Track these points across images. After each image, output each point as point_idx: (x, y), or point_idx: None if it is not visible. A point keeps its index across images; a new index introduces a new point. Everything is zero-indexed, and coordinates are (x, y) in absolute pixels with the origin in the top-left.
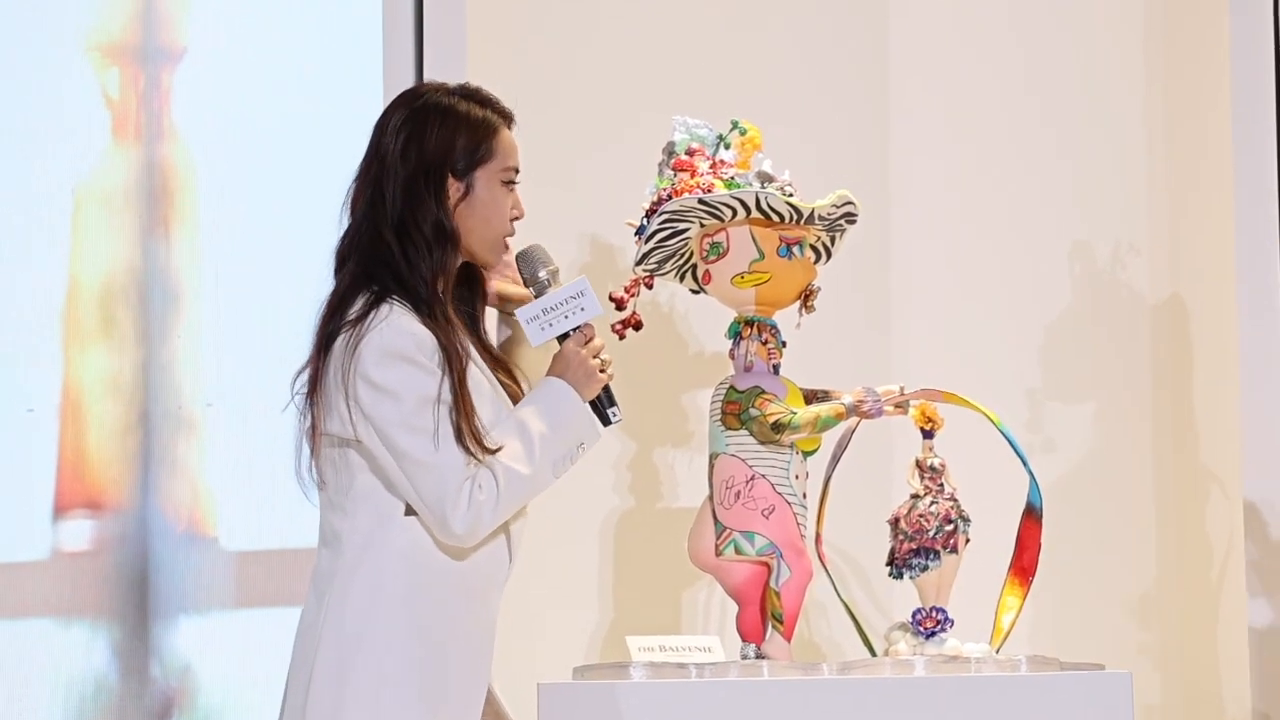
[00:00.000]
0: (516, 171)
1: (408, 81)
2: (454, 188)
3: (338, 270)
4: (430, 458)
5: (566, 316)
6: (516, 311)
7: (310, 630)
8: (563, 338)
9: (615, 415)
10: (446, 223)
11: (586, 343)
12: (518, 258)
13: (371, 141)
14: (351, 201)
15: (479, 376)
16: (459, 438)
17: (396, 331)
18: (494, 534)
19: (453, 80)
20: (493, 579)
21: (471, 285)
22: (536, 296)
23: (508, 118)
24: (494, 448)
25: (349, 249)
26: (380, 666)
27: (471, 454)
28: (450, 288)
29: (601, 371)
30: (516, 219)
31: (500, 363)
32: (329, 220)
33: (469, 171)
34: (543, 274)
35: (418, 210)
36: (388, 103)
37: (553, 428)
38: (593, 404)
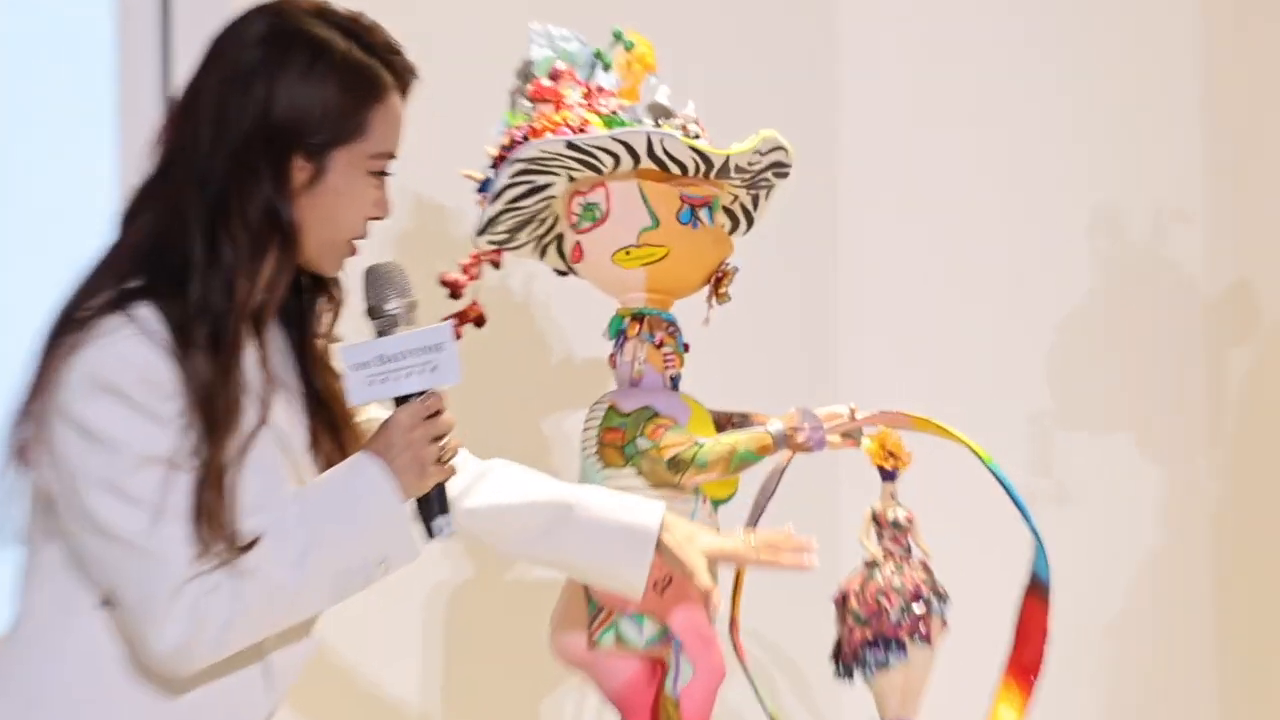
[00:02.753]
0: (391, 158)
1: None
2: (300, 167)
3: (121, 229)
4: (140, 541)
5: (409, 374)
6: (339, 349)
7: None
8: (399, 402)
9: (444, 527)
10: (284, 213)
11: (429, 418)
12: (365, 275)
13: (206, 58)
14: (161, 135)
15: (272, 440)
16: (195, 519)
17: (117, 359)
18: (239, 660)
19: None
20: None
21: (308, 298)
22: (379, 335)
23: (403, 77)
24: (245, 541)
25: (140, 206)
26: None
27: (207, 543)
28: (275, 302)
29: (439, 463)
30: (374, 219)
31: (334, 419)
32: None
33: (326, 149)
34: (393, 306)
35: (245, 187)
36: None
37: (346, 527)
38: (418, 504)
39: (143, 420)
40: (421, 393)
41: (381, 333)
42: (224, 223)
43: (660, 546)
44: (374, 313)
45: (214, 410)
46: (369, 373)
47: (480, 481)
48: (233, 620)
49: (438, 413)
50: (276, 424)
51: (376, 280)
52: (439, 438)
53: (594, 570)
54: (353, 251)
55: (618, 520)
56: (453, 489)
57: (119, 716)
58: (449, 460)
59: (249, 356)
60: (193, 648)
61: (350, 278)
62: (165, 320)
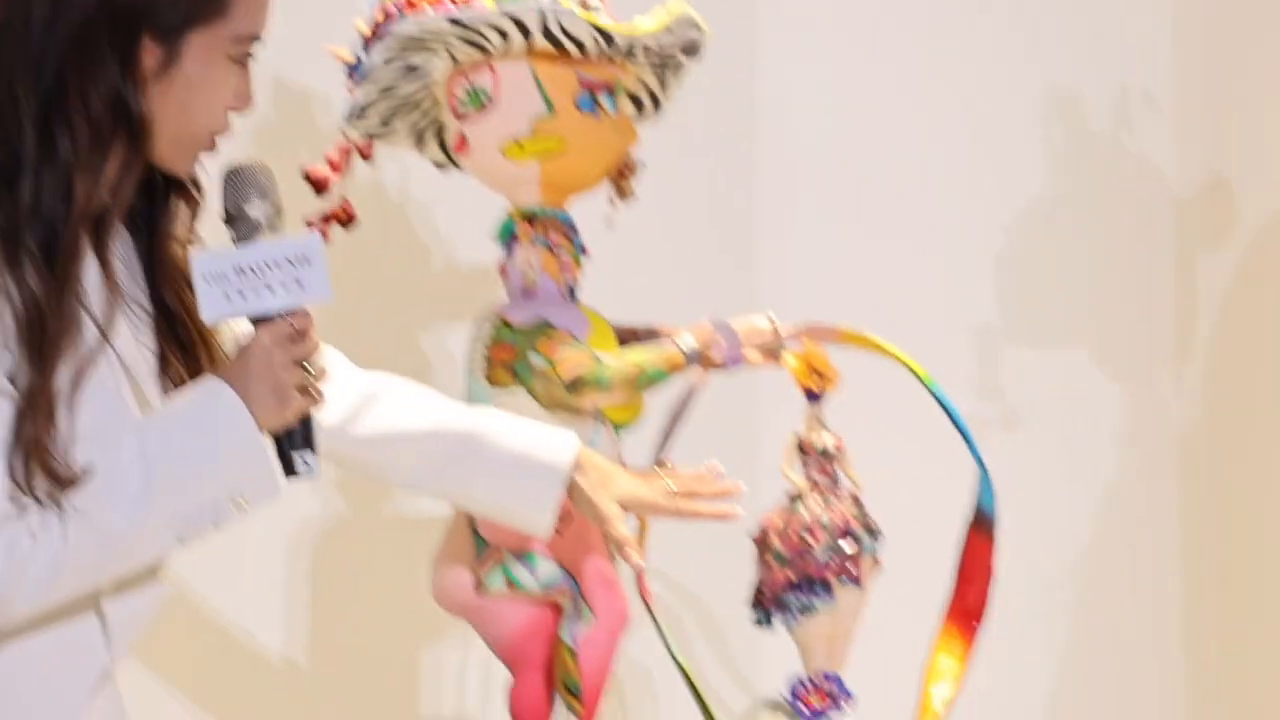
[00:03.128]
0: (255, 41)
1: None
2: (151, 52)
3: None
4: None
5: (272, 289)
6: (191, 257)
7: None
8: (260, 320)
9: (308, 464)
10: (132, 104)
11: (293, 340)
12: (224, 177)
13: None
14: None
15: (113, 364)
16: (17, 452)
17: None
18: (72, 609)
19: None
20: (61, 675)
21: (160, 199)
22: (236, 242)
23: None
24: (71, 474)
25: None
26: None
27: (23, 481)
28: (120, 207)
29: (304, 391)
30: (235, 111)
31: (187, 338)
32: None
33: (181, 31)
34: (255, 211)
35: (87, 71)
36: None
37: (193, 463)
38: (277, 438)
39: None
40: (285, 314)
41: (241, 239)
42: (61, 113)
43: (572, 489)
44: (233, 218)
45: (44, 331)
46: (225, 286)
47: (371, 405)
48: (57, 566)
49: (303, 334)
50: (120, 345)
51: (237, 181)
52: (304, 362)
53: (496, 509)
54: (210, 147)
55: (526, 455)
56: (336, 412)
57: None
58: (315, 388)
59: (89, 269)
60: (9, 596)
61: (212, 178)
62: None
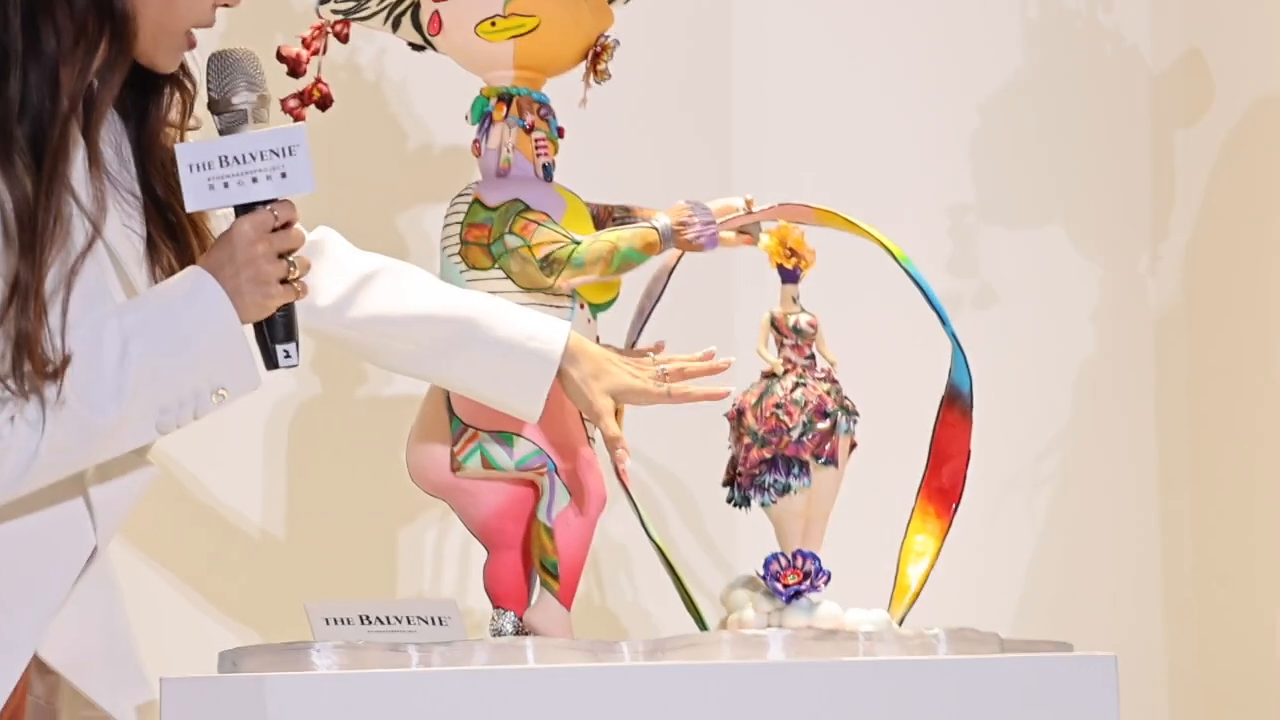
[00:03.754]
0: None
1: None
2: None
3: None
4: None
5: (255, 179)
6: (177, 147)
7: None
8: (243, 211)
9: (289, 356)
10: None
11: (276, 230)
12: (210, 62)
13: None
14: None
15: (100, 255)
16: (3, 340)
17: None
18: (57, 492)
19: None
20: (49, 560)
21: (152, 88)
22: (222, 133)
23: None
24: (54, 366)
25: None
26: None
27: (7, 373)
28: (106, 101)
29: (284, 282)
30: (222, 6)
31: (175, 224)
32: None
33: None
34: (240, 99)
35: None
36: None
37: (175, 355)
38: (259, 329)
39: None
40: (268, 201)
41: (226, 130)
42: (46, 8)
43: (563, 378)
44: (218, 106)
45: (35, 226)
46: (209, 175)
47: (366, 287)
48: (37, 454)
49: (287, 224)
50: (108, 234)
51: (223, 68)
52: (287, 253)
53: (488, 393)
54: (191, 43)
55: (520, 343)
56: (332, 293)
57: None
58: (298, 279)
59: (78, 159)
60: None
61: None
62: None
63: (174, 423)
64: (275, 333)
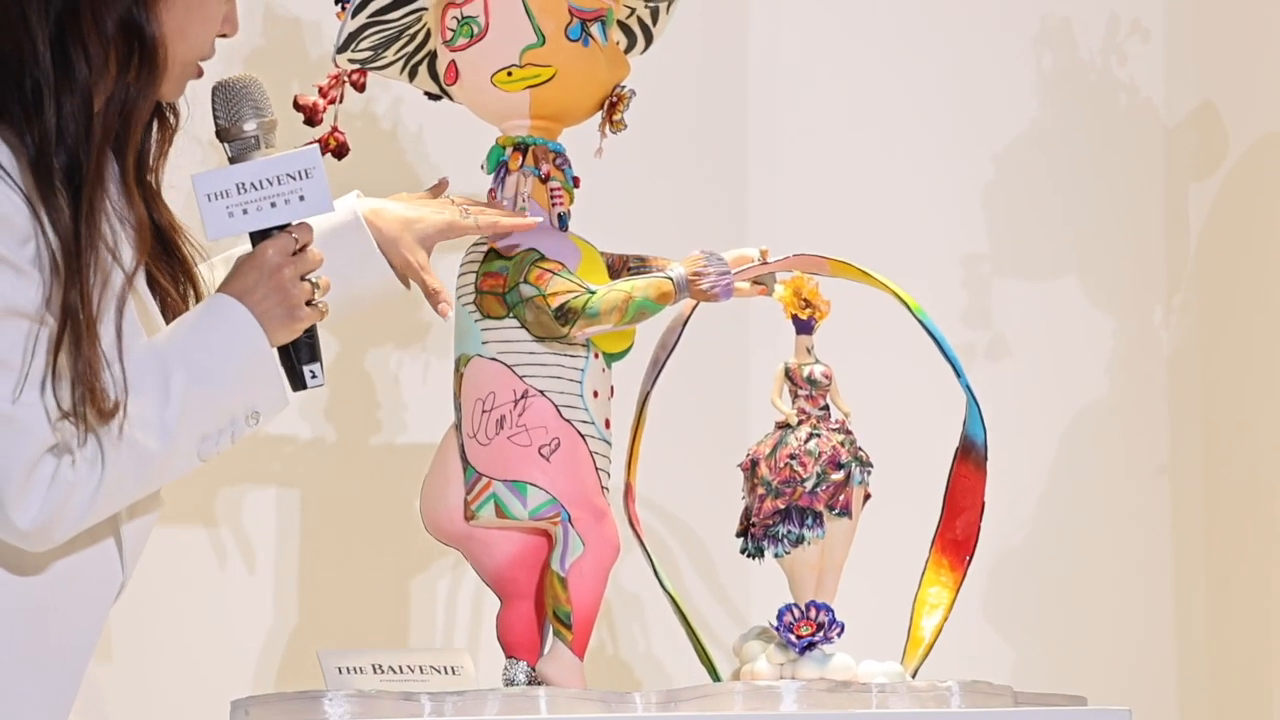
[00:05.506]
0: None
1: None
2: None
3: None
4: (2, 406)
5: (274, 203)
6: (194, 177)
7: None
8: (260, 236)
9: (315, 375)
10: (146, 26)
11: (296, 253)
12: (215, 92)
13: None
14: None
15: (119, 282)
16: (60, 381)
17: None
18: (94, 533)
19: None
20: (86, 598)
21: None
22: (233, 161)
23: None
24: (110, 404)
25: None
26: None
27: (69, 411)
28: (135, 137)
29: (309, 304)
30: (224, 36)
31: (168, 248)
32: None
33: None
34: (251, 126)
35: None
36: None
37: (212, 382)
38: (284, 352)
39: (3, 270)
40: (286, 226)
41: (237, 157)
42: (76, 36)
43: (377, 238)
44: (227, 134)
45: (80, 259)
46: (228, 203)
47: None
48: (96, 494)
49: (305, 247)
50: (123, 261)
51: (230, 96)
52: (305, 275)
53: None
54: (198, 74)
55: (329, 229)
56: None
57: None
58: (319, 302)
59: (110, 190)
60: (51, 524)
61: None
62: (17, 152)
63: (214, 449)
64: (301, 354)
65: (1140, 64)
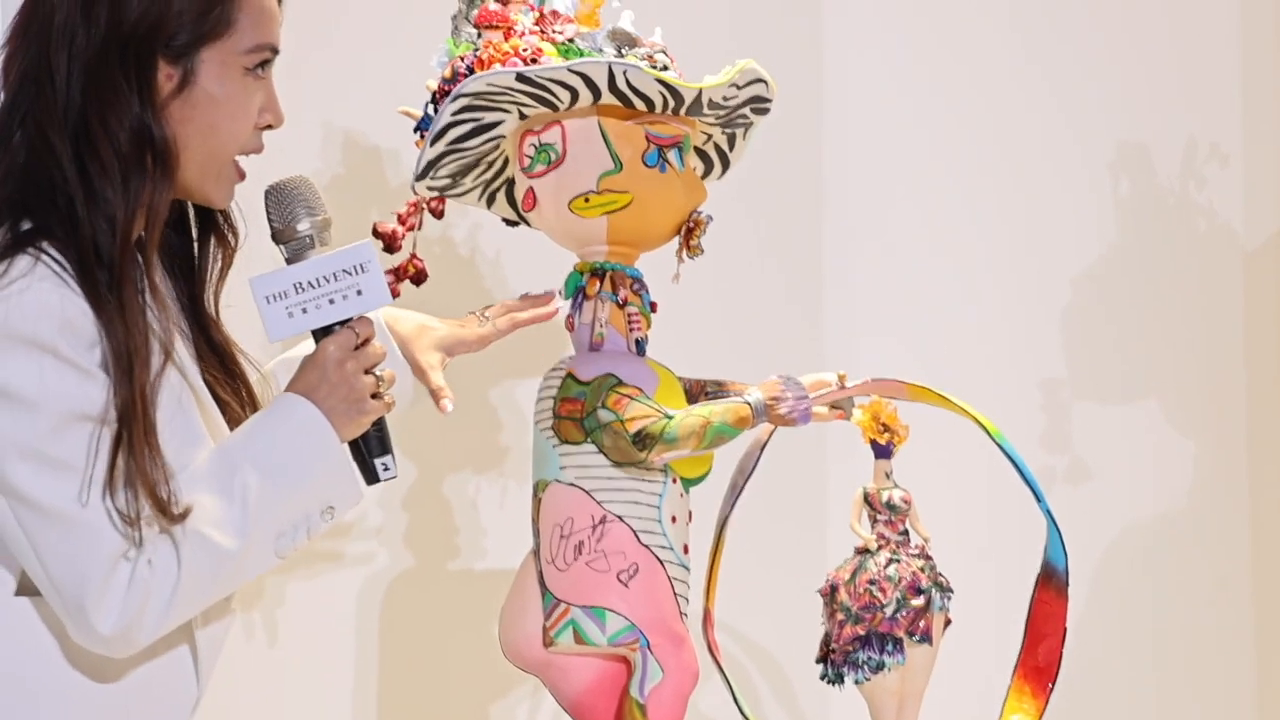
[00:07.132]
0: (273, 53)
1: None
2: (167, 75)
3: None
4: (71, 510)
5: (333, 300)
6: (251, 281)
7: None
8: (322, 334)
9: (388, 468)
10: (155, 129)
11: (358, 348)
12: (267, 195)
13: None
14: (2, 72)
15: (177, 386)
16: (126, 483)
17: (35, 306)
18: (170, 639)
19: None
20: (163, 704)
21: (189, 230)
22: (290, 261)
23: None
24: (181, 508)
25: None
26: None
27: (139, 515)
28: (156, 236)
29: (375, 397)
30: (267, 129)
31: (227, 364)
32: None
33: (192, 50)
34: (304, 226)
35: (107, 106)
36: None
37: (283, 478)
38: (354, 446)
39: (66, 374)
40: (347, 321)
41: (293, 258)
42: (91, 149)
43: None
44: (282, 235)
45: (134, 357)
46: (287, 304)
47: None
48: (173, 597)
49: (366, 341)
50: (184, 369)
51: (281, 198)
52: (370, 369)
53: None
54: (241, 174)
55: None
56: None
57: (44, 704)
58: (385, 394)
59: (145, 294)
60: (132, 630)
61: (251, 223)
62: (66, 265)
63: (290, 546)
64: (371, 447)
65: (1219, 188)
